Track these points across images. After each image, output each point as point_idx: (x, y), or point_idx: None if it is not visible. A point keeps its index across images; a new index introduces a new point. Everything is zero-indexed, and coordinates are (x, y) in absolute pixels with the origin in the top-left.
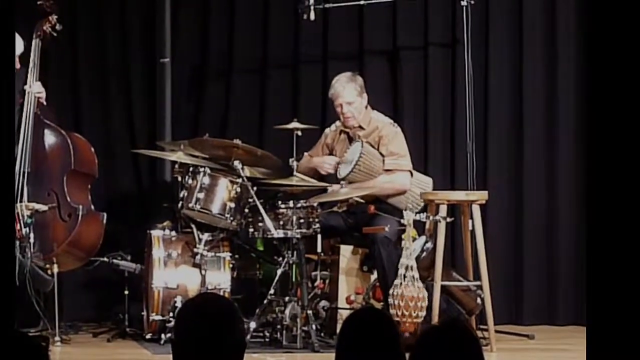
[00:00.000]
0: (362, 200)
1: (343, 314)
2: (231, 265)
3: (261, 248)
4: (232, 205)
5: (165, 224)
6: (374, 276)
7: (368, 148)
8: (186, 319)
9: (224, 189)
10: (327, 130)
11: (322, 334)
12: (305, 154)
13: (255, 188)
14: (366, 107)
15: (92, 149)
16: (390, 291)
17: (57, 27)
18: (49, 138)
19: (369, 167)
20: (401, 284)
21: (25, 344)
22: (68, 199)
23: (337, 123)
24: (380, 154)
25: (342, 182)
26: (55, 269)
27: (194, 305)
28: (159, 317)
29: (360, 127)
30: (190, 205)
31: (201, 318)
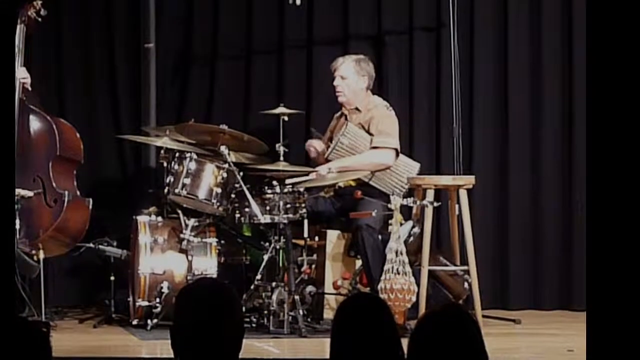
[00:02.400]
0: (352, 183)
1: (330, 299)
2: (218, 251)
3: (248, 233)
4: (219, 190)
5: (151, 209)
6: (361, 261)
7: (352, 128)
8: (186, 304)
9: (211, 175)
10: (335, 115)
11: (309, 319)
12: None
13: (241, 173)
14: (368, 92)
15: (78, 134)
16: (382, 276)
17: (42, 12)
18: (34, 123)
19: (352, 146)
20: (392, 269)
21: (27, 330)
22: (54, 184)
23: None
24: (370, 134)
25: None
26: (41, 255)
27: (193, 290)
28: (145, 303)
29: (357, 110)
30: (176, 190)
31: (201, 303)
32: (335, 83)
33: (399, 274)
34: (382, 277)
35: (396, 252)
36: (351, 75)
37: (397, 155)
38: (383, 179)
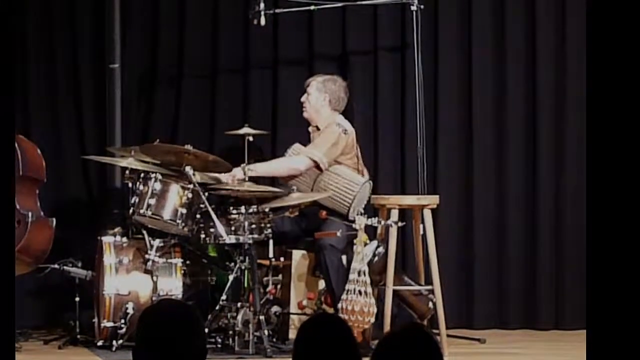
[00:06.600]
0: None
1: (295, 319)
2: (183, 271)
3: (213, 254)
4: (184, 211)
5: (116, 230)
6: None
7: (298, 146)
8: (147, 325)
9: (176, 195)
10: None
11: (274, 340)
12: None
13: (206, 194)
14: (332, 111)
15: (39, 152)
16: (343, 296)
17: None
18: None
19: None
20: (354, 289)
21: None
22: (17, 205)
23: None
24: None
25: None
26: None
27: (155, 311)
28: (111, 324)
29: (317, 129)
30: (141, 211)
31: (163, 324)
32: (302, 99)
33: (360, 294)
34: (343, 297)
35: (358, 273)
36: (314, 92)
37: (319, 169)
38: (337, 200)
